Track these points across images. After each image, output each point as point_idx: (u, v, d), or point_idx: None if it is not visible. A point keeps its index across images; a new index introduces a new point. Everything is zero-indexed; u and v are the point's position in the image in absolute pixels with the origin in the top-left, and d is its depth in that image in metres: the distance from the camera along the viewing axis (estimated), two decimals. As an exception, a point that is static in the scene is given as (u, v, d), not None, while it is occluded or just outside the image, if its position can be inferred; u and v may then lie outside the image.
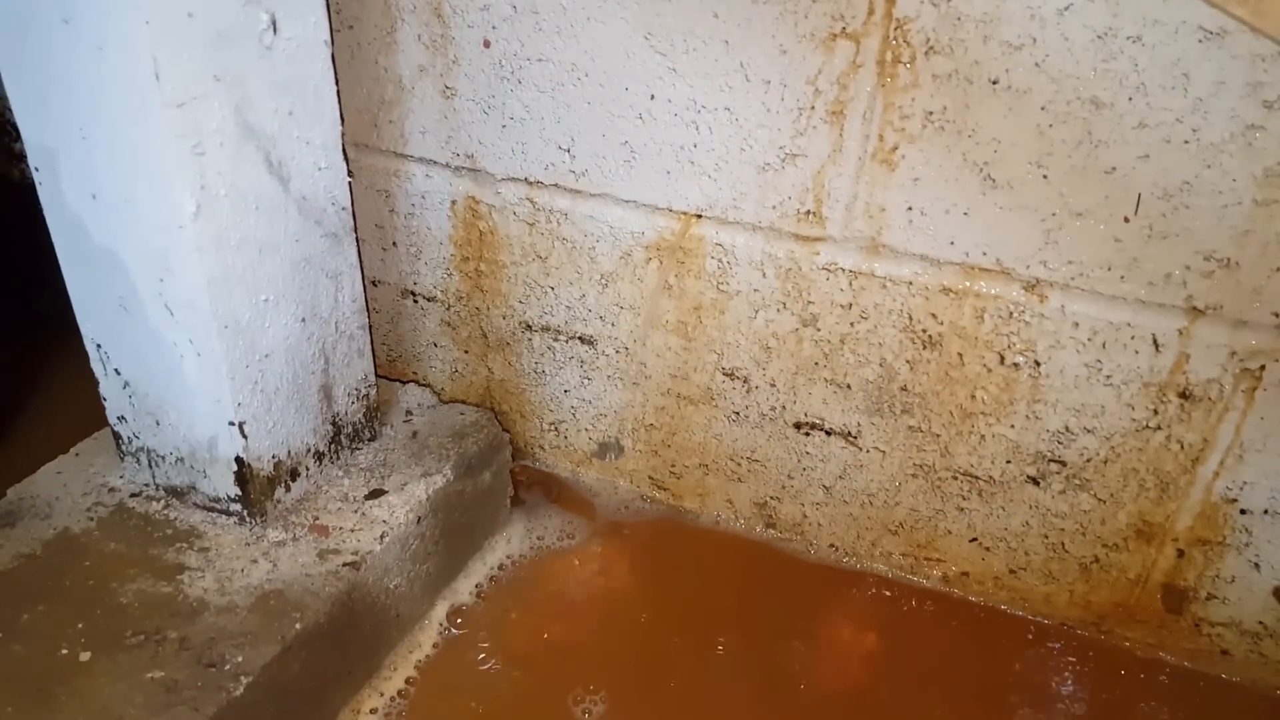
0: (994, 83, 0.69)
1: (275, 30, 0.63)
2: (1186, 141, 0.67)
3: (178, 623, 0.68)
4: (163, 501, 0.79)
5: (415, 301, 1.03)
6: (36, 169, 0.66)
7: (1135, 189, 0.69)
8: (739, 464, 0.97)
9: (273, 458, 0.76)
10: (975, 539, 0.90)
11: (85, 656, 0.66)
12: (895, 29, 0.70)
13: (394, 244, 1.00)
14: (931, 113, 0.72)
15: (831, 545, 0.97)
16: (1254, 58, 0.62)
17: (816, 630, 0.90)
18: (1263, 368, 0.72)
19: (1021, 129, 0.70)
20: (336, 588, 0.72)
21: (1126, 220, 0.71)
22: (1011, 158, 0.71)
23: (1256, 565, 0.81)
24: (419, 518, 0.81)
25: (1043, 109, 0.69)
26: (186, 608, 0.69)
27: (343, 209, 0.76)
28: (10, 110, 1.19)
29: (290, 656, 0.67)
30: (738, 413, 0.94)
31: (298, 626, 0.68)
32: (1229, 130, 0.65)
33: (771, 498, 0.97)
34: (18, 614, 0.69)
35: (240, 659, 0.65)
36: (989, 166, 0.72)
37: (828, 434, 0.91)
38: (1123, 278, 0.73)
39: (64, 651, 0.66)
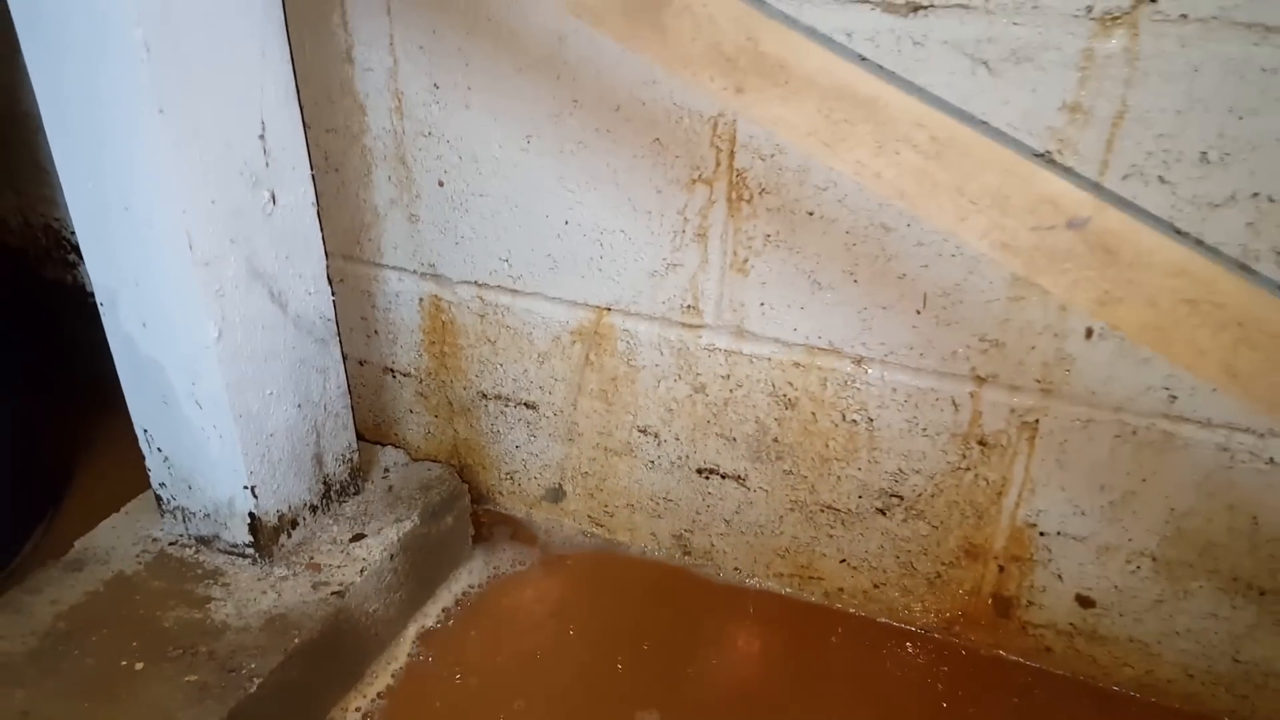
0: (810, 214, 0.92)
1: (275, 202, 0.86)
2: (954, 255, 0.89)
3: (207, 640, 0.90)
4: (194, 548, 1.01)
5: (394, 377, 1.26)
6: (101, 303, 0.90)
7: (921, 290, 0.91)
8: (657, 503, 1.18)
9: (278, 512, 0.99)
10: (844, 560, 1.11)
11: (139, 666, 0.88)
12: (736, 176, 0.93)
13: (375, 332, 1.23)
14: (769, 235, 0.94)
15: (735, 568, 1.18)
16: (987, 197, 0.84)
17: (723, 639, 1.11)
18: (1037, 420, 0.94)
19: (833, 246, 0.92)
20: (326, 611, 0.94)
21: (918, 312, 0.92)
22: (829, 267, 0.94)
23: (1060, 576, 1.01)
24: (391, 555, 1.02)
25: (847, 232, 0.91)
26: (213, 629, 0.91)
27: (328, 320, 0.99)
28: (66, 229, 1.42)
29: (291, 664, 0.89)
30: (652, 461, 1.15)
31: (296, 641, 0.90)
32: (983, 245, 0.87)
33: (685, 530, 1.18)
34: (88, 636, 0.91)
35: (254, 665, 0.87)
36: (814, 273, 0.94)
37: (723, 478, 1.12)
38: (921, 355, 0.94)
39: (123, 663, 0.88)
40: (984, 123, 0.59)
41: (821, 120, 0.63)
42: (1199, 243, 0.57)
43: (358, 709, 0.98)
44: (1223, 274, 0.57)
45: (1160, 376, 0.86)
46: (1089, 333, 0.86)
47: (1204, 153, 0.74)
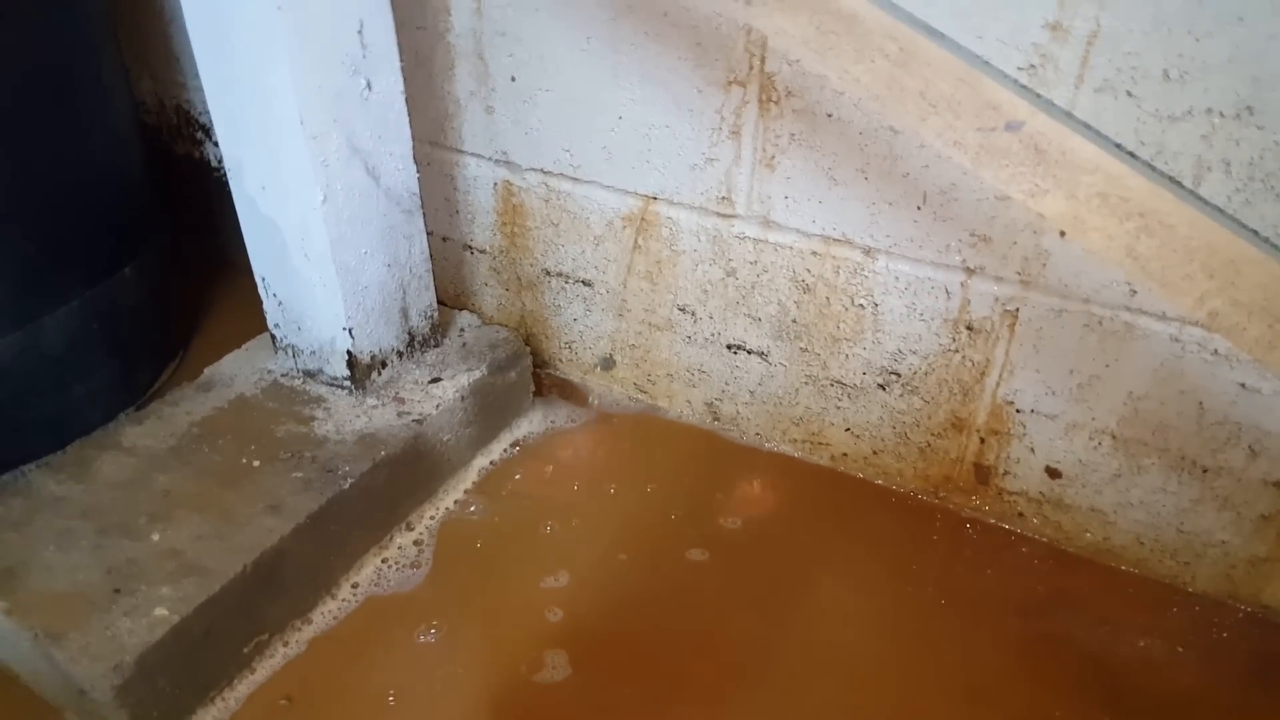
0: (829, 115, 1.04)
1: (370, 89, 1.03)
2: (950, 158, 1.00)
3: (310, 448, 1.12)
4: (301, 380, 1.23)
5: (472, 253, 1.44)
6: (229, 169, 1.09)
7: (922, 188, 1.03)
8: (693, 374, 1.35)
9: (370, 353, 1.19)
10: (849, 429, 1.26)
11: (256, 464, 1.10)
12: (766, 80, 1.05)
13: (457, 212, 1.41)
14: (794, 134, 1.07)
15: (756, 433, 1.34)
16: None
17: (741, 489, 1.28)
18: (1017, 309, 1.06)
19: (848, 146, 1.05)
20: (408, 434, 1.14)
21: (919, 208, 1.05)
22: (844, 165, 1.06)
23: (1032, 449, 1.14)
24: (463, 396, 1.22)
25: (860, 133, 1.03)
26: (316, 440, 1.13)
27: (413, 194, 1.16)
28: (195, 110, 1.62)
29: (377, 471, 1.10)
30: (689, 337, 1.31)
31: (383, 454, 1.11)
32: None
33: (715, 399, 1.35)
34: (216, 440, 1.13)
35: (347, 469, 1.08)
36: (831, 170, 1.07)
37: (749, 353, 1.28)
38: (921, 246, 1.07)
39: (244, 460, 1.10)
40: (942, 35, 0.71)
41: (813, 31, 0.76)
42: (1114, 145, 0.69)
43: (431, 516, 1.20)
44: (1129, 172, 0.69)
45: (1122, 272, 0.97)
46: (1063, 232, 0.97)
47: (1166, 70, 0.84)
